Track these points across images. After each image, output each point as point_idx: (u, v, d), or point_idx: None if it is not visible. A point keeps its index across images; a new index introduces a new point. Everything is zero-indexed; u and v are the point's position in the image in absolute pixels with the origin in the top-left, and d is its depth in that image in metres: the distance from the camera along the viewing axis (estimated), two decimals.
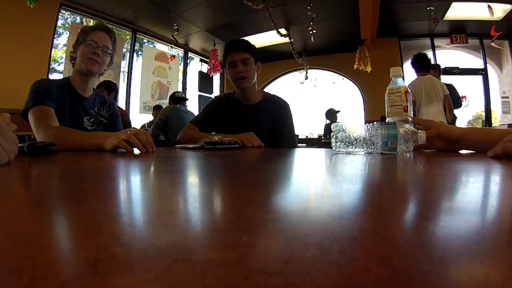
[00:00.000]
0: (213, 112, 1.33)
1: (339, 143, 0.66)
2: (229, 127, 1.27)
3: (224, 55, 1.27)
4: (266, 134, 1.27)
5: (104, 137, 0.78)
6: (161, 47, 5.10)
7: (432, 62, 2.77)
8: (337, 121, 4.55)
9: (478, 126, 5.10)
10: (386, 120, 0.77)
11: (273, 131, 1.29)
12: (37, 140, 0.88)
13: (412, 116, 0.76)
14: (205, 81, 5.62)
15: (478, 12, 3.98)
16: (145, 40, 4.92)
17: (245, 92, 1.28)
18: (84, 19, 4.02)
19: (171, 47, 5.01)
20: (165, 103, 4.33)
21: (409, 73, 5.33)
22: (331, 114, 4.81)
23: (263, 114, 1.29)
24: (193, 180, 0.33)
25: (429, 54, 5.00)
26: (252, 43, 1.31)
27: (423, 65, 2.57)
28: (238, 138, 1.01)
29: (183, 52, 5.44)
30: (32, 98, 0.97)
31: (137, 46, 4.74)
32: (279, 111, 1.31)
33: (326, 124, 4.83)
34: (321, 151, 0.78)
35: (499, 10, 3.88)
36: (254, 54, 1.27)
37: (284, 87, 6.48)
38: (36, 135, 0.93)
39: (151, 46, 5.03)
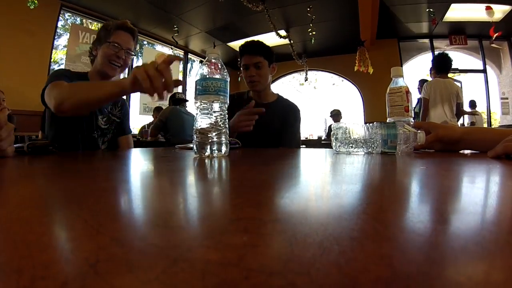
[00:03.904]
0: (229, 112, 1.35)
1: (339, 143, 0.66)
2: None
3: (239, 56, 1.29)
4: (274, 133, 1.28)
5: (120, 81, 0.73)
6: (161, 48, 5.10)
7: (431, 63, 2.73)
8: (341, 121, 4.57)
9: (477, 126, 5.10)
10: (387, 120, 0.77)
11: (281, 131, 1.30)
12: (51, 104, 0.82)
13: (413, 117, 0.76)
14: None
15: (477, 13, 4.00)
16: (145, 42, 4.93)
17: (259, 93, 1.31)
18: (84, 20, 4.03)
19: (171, 48, 5.02)
20: (165, 104, 4.33)
21: (408, 74, 5.32)
22: (336, 115, 4.83)
23: (275, 113, 1.30)
24: (193, 180, 0.33)
25: (429, 55, 5.03)
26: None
27: (443, 66, 2.51)
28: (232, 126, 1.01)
29: (183, 53, 5.45)
30: (50, 79, 0.93)
31: (137, 48, 4.74)
32: (289, 113, 1.32)
33: (330, 125, 4.85)
34: (321, 151, 0.78)
35: (498, 11, 3.89)
36: (268, 57, 1.26)
37: (284, 88, 6.50)
38: (49, 104, 0.85)
39: (151, 47, 5.04)
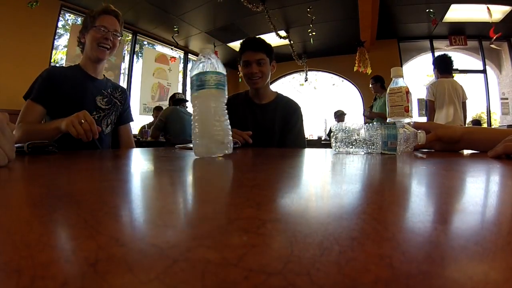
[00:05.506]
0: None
1: (339, 143, 0.66)
2: (240, 125, 1.25)
3: (240, 52, 1.26)
4: (276, 134, 1.26)
5: (61, 120, 0.86)
6: (161, 48, 5.10)
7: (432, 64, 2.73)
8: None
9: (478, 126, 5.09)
10: (387, 120, 0.77)
11: (283, 132, 1.28)
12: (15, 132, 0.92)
13: (412, 116, 0.76)
14: None
15: (477, 14, 4.00)
16: (145, 42, 4.93)
17: (258, 91, 1.28)
18: None
19: (172, 48, 5.02)
20: (165, 104, 4.34)
21: (408, 74, 5.32)
22: (341, 115, 4.85)
23: (275, 113, 1.28)
24: (192, 180, 0.33)
25: (429, 55, 5.03)
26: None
27: (447, 67, 2.50)
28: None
29: (183, 53, 5.45)
30: (33, 88, 1.03)
31: (137, 48, 4.75)
32: (290, 113, 1.29)
33: (331, 126, 4.87)
34: (321, 151, 0.78)
35: (498, 12, 3.89)
36: (270, 54, 1.26)
37: (284, 89, 6.49)
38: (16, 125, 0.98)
39: (151, 48, 5.04)
